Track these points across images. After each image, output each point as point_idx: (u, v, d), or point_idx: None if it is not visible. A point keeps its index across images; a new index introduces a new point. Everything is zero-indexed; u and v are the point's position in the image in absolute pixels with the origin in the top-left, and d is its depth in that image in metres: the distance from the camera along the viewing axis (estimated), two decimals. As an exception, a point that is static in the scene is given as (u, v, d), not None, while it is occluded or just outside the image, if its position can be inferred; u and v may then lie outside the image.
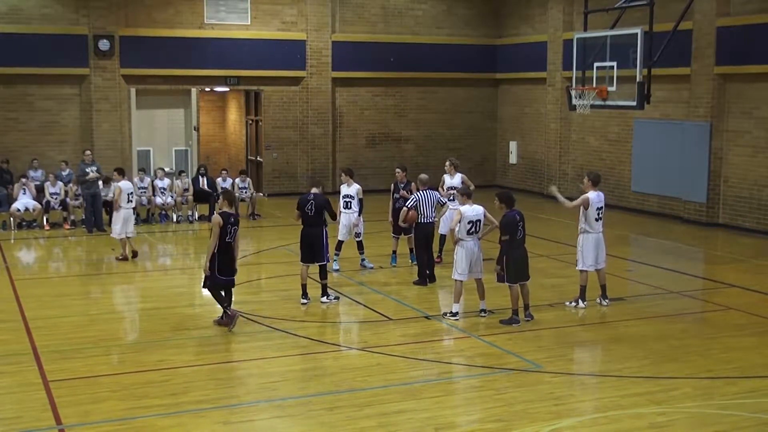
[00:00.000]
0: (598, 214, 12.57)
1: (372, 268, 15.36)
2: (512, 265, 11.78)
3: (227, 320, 11.53)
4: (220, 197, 12.19)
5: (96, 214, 19.17)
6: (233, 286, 11.80)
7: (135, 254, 16.38)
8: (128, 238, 16.22)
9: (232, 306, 11.78)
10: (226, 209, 11.61)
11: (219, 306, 11.71)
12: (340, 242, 15.24)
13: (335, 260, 15.18)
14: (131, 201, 16.41)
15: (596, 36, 18.28)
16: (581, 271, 12.68)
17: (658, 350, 10.75)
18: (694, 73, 20.16)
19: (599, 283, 12.82)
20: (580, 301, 12.67)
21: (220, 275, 11.45)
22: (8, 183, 20.69)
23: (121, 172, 16.71)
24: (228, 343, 11.06)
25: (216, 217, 11.48)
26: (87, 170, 19.17)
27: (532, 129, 26.40)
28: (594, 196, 12.53)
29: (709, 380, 9.69)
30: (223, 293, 11.66)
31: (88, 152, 20.15)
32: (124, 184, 16.33)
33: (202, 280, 11.74)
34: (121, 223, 16.08)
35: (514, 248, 11.82)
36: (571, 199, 12.98)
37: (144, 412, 8.63)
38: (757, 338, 11.34)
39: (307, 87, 25.43)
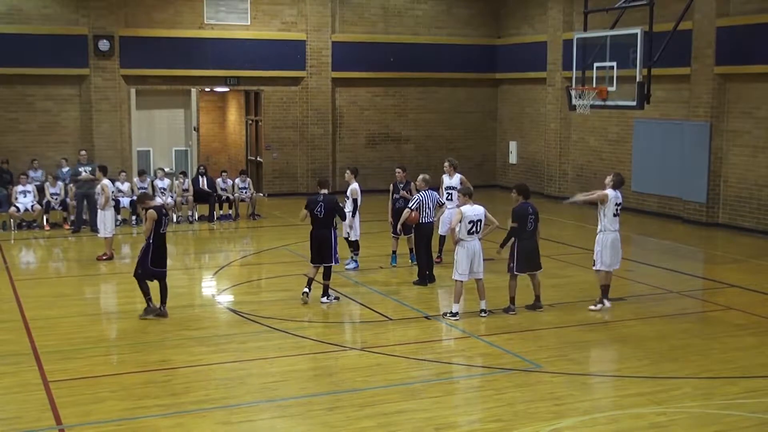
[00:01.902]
0: (617, 210, 12.55)
1: (350, 268, 15.22)
2: (522, 255, 12.15)
3: (153, 310, 12.10)
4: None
5: (90, 214, 19.07)
6: (165, 278, 12.20)
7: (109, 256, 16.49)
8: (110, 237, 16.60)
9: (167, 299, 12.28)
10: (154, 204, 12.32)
11: (145, 299, 12.18)
12: (354, 242, 15.35)
13: (355, 259, 15.41)
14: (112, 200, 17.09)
15: (596, 36, 18.29)
16: (598, 270, 12.64)
17: (658, 350, 10.76)
18: (694, 73, 20.16)
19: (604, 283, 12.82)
20: (605, 301, 12.61)
21: (153, 267, 11.96)
22: (8, 183, 20.69)
23: (104, 171, 17.01)
24: (228, 344, 11.05)
25: (151, 212, 12.01)
26: (80, 170, 19.11)
27: (532, 129, 26.40)
28: (612, 193, 12.51)
29: (709, 380, 9.69)
30: (151, 284, 12.16)
31: (83, 152, 20.11)
32: (109, 182, 16.84)
33: (134, 269, 12.22)
34: (111, 222, 16.48)
35: (525, 239, 12.18)
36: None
37: (144, 413, 8.63)
38: (757, 338, 11.34)
39: (307, 87, 25.43)
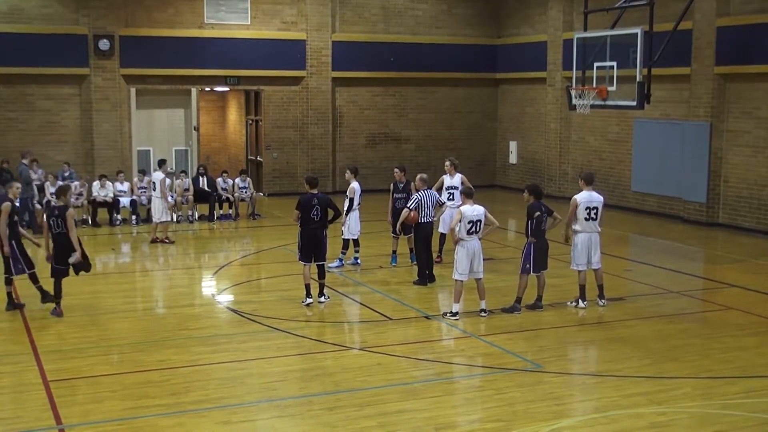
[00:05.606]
0: (588, 214, 12.54)
1: (333, 267, 15.14)
2: (536, 254, 12.32)
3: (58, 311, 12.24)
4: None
5: (30, 216, 18.74)
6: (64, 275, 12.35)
7: (165, 240, 18.17)
8: (159, 223, 18.19)
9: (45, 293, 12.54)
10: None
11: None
12: (345, 241, 15.32)
13: (341, 258, 15.41)
14: (154, 191, 18.27)
15: (596, 36, 18.28)
16: (576, 270, 12.75)
17: (658, 350, 10.76)
18: (694, 73, 20.16)
19: (596, 284, 12.82)
20: (580, 300, 12.69)
21: (57, 264, 12.21)
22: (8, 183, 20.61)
23: (160, 164, 18.76)
24: (228, 343, 11.06)
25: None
26: (34, 176, 19.32)
27: (532, 129, 26.40)
28: (583, 197, 12.56)
29: (709, 380, 9.70)
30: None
31: (31, 158, 20.03)
32: (155, 175, 18.53)
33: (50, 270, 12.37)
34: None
35: (539, 238, 12.35)
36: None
37: (144, 412, 8.63)
38: (757, 338, 11.34)
39: (307, 87, 25.43)
